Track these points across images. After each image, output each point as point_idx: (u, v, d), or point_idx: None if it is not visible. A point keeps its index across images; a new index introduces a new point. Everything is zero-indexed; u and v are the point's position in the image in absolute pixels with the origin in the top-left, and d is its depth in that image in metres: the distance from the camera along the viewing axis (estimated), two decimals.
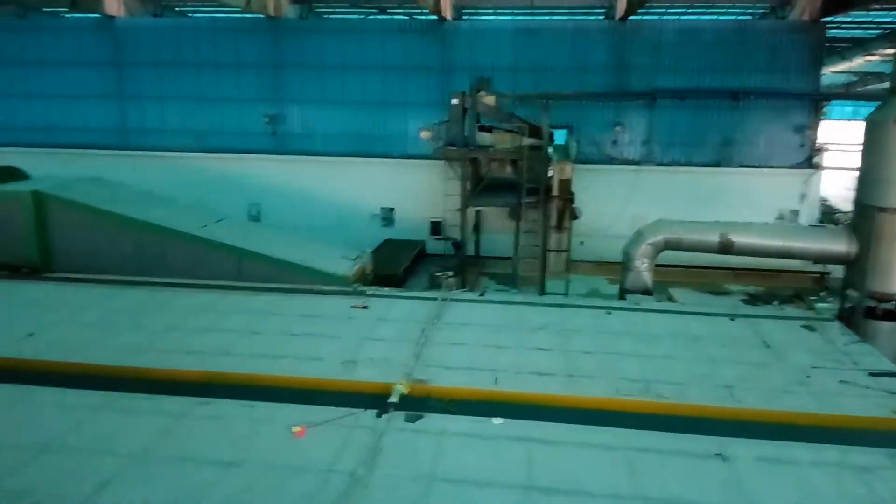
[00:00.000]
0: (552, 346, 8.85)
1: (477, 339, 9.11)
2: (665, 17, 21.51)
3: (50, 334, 9.21)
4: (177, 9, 22.96)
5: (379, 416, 6.98)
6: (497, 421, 6.86)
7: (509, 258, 18.32)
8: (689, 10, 23.04)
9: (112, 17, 20.88)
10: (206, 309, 10.41)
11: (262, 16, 20.30)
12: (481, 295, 11.55)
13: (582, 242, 19.21)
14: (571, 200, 15.71)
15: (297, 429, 6.70)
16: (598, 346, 8.92)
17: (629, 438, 6.60)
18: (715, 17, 22.82)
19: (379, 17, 22.60)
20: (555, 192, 15.55)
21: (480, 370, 8.14)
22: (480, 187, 17.33)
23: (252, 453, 6.32)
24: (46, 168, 15.41)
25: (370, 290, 11.52)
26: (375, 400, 7.31)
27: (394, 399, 7.29)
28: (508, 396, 7.46)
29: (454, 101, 16.85)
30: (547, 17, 22.36)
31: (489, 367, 8.21)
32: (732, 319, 10.01)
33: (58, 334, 9.23)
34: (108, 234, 12.23)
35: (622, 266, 13.96)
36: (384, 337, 9.26)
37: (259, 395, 7.48)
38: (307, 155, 21.17)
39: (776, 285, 18.73)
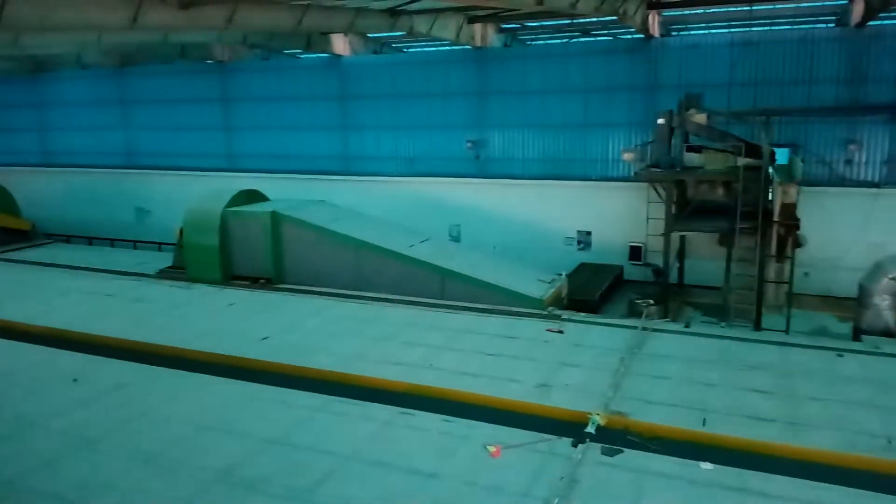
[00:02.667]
0: (771, 389, 8.00)
1: (682, 374, 8.55)
2: None
3: (281, 339, 10.38)
4: (394, 45, 24.92)
5: (574, 445, 6.82)
6: (706, 466, 6.34)
7: (718, 288, 16.95)
8: None
9: (339, 56, 23.28)
10: (410, 323, 11.03)
11: (469, 46, 21.28)
12: (686, 326, 10.85)
13: (807, 274, 17.18)
14: (796, 226, 14.13)
15: (492, 448, 6.79)
16: (827, 392, 7.88)
17: (867, 502, 5.71)
18: None
19: (582, 39, 22.51)
20: (776, 216, 14.09)
21: (686, 408, 7.61)
22: (687, 211, 16.32)
23: (450, 467, 6.51)
24: (281, 191, 17.49)
25: (566, 314, 11.39)
26: (570, 428, 7.17)
27: (590, 429, 7.08)
28: (719, 440, 6.87)
29: (660, 121, 16.07)
30: (767, 28, 20.61)
31: (696, 406, 7.65)
32: None
33: (287, 339, 10.37)
34: (331, 251, 13.50)
35: (857, 302, 12.26)
36: (580, 363, 9.07)
37: (457, 411, 7.71)
38: (507, 178, 21.61)
39: None
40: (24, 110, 29.18)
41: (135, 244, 22.63)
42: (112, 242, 23.31)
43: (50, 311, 12.13)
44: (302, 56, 25.12)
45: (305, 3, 14.51)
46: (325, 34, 21.99)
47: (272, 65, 25.09)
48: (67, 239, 23.07)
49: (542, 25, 21.55)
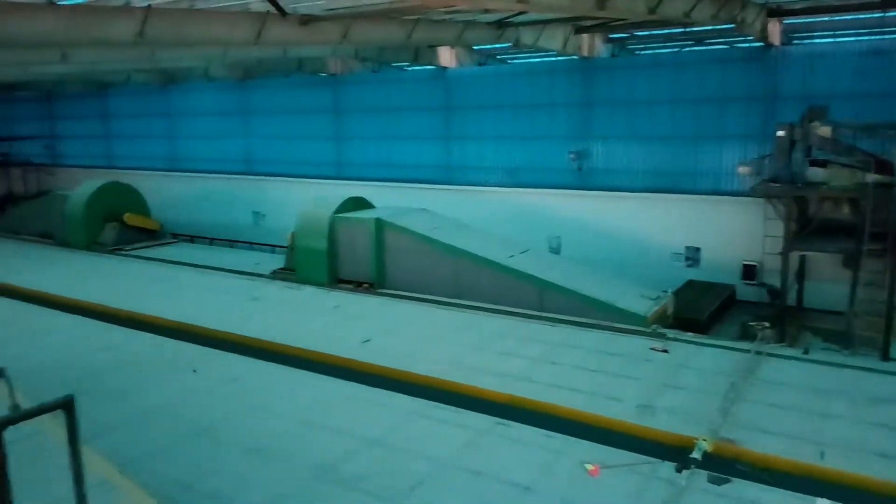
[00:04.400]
0: None
1: (799, 403, 8.00)
2: None
3: (381, 342, 10.65)
4: (499, 56, 25.07)
5: (678, 470, 6.54)
6: (822, 502, 5.90)
7: (841, 313, 15.74)
8: None
9: (445, 68, 23.71)
10: (508, 334, 11.01)
11: (575, 57, 21.04)
12: (804, 352, 10.14)
13: None
14: None
15: (591, 467, 6.63)
16: None
17: None
18: None
19: (695, 48, 21.70)
20: None
21: (802, 440, 7.12)
22: (809, 229, 15.29)
23: (547, 482, 6.43)
24: (386, 199, 17.98)
25: (671, 332, 10.96)
26: (674, 452, 6.88)
27: (696, 455, 6.76)
28: (838, 476, 6.37)
29: (780, 133, 15.17)
30: None
31: (813, 438, 7.14)
32: None
33: (387, 343, 10.63)
34: (431, 259, 13.72)
35: None
36: (686, 386, 8.70)
37: (554, 426, 7.60)
38: (610, 190, 21.11)
39: None
40: (156, 119, 31.80)
41: (251, 245, 24.00)
42: (231, 243, 24.84)
43: (174, 306, 13.08)
44: (409, 68, 25.78)
45: (415, 17, 14.90)
46: (433, 47, 22.45)
47: (381, 77, 25.92)
48: (191, 239, 24.80)
49: (652, 34, 20.97)
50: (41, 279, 15.54)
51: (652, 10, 13.27)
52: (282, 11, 11.62)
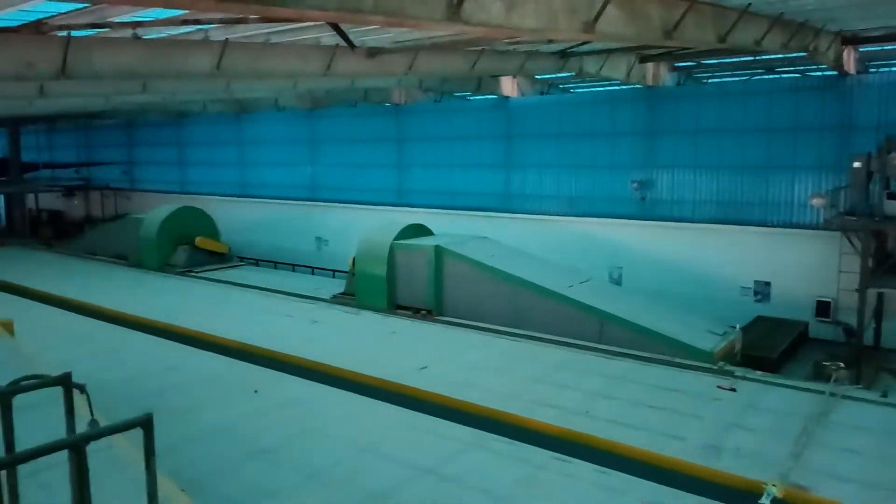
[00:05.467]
0: None
1: (877, 450, 7.53)
2: None
3: (438, 370, 10.64)
4: (561, 85, 25.08)
5: None
6: None
7: None
8: None
9: (507, 98, 23.88)
10: (566, 366, 10.82)
11: (639, 85, 20.83)
12: (883, 395, 9.56)
13: None
14: None
15: None
16: None
17: None
18: None
19: (765, 76, 21.15)
20: None
21: (880, 489, 6.69)
22: (887, 265, 14.51)
23: None
24: (446, 226, 18.12)
25: (739, 370, 10.54)
26: (741, 497, 6.59)
27: (764, 501, 6.44)
28: None
29: (856, 164, 14.56)
30: None
31: (891, 487, 6.72)
32: None
33: (444, 371, 10.61)
34: (489, 287, 13.69)
35: None
36: (755, 427, 8.32)
37: (613, 463, 7.38)
38: (674, 221, 20.64)
39: None
40: (228, 147, 33.17)
41: (313, 270, 24.55)
42: (293, 267, 25.46)
43: (238, 327, 13.46)
44: (471, 98, 26.08)
45: (480, 48, 15.11)
46: (496, 77, 22.67)
47: (443, 106, 26.32)
48: (256, 262, 25.58)
49: (720, 63, 20.59)
50: (116, 298, 16.29)
51: (721, 39, 13.01)
52: (351, 45, 11.98)
